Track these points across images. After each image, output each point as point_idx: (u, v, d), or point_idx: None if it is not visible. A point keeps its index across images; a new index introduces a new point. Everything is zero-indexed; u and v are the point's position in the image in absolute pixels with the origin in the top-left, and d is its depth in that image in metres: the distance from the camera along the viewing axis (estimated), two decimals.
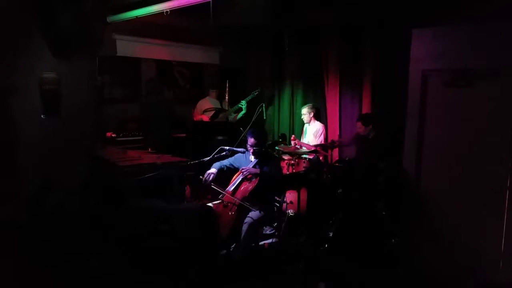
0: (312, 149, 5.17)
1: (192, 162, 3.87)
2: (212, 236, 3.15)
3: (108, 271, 2.49)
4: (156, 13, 4.56)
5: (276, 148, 5.26)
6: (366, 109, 5.54)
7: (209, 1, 3.92)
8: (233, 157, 4.19)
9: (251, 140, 3.97)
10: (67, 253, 2.51)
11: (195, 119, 6.03)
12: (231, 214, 3.77)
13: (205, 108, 6.03)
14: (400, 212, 3.52)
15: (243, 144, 4.39)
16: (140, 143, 5.50)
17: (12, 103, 4.02)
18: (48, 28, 4.22)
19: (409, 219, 3.41)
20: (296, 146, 5.11)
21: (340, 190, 4.18)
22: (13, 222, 2.62)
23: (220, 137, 5.49)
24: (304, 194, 4.52)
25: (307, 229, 4.28)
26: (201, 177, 3.94)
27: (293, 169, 4.95)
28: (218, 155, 4.02)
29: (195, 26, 6.32)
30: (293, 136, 5.44)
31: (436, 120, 3.23)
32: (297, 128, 6.39)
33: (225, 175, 4.10)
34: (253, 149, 3.99)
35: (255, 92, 5.97)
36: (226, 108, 6.13)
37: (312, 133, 5.57)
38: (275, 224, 4.32)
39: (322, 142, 5.48)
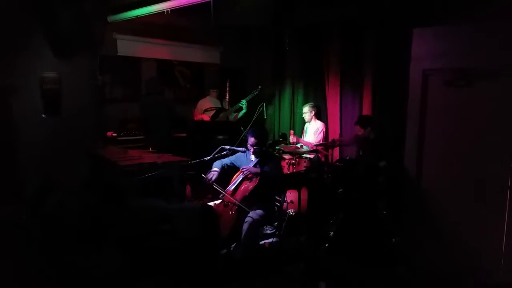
0: (311, 145, 5.16)
1: (192, 162, 3.86)
2: (213, 236, 3.16)
3: (108, 270, 2.50)
4: (157, 13, 4.57)
5: (277, 147, 5.26)
6: (366, 108, 5.53)
7: (210, 1, 3.92)
8: (233, 156, 4.18)
9: (251, 140, 3.96)
10: (67, 253, 2.51)
11: (195, 118, 6.03)
12: (232, 213, 3.77)
13: (206, 108, 6.02)
14: (401, 212, 3.52)
15: (244, 143, 4.39)
16: (141, 142, 5.50)
17: (13, 102, 4.04)
18: (49, 28, 4.23)
19: (410, 218, 3.42)
20: (294, 141, 5.10)
21: (340, 190, 4.18)
22: (13, 222, 2.63)
23: (220, 137, 5.49)
24: (304, 193, 4.52)
25: (308, 229, 4.28)
26: (203, 175, 3.94)
27: (293, 168, 4.94)
28: (218, 154, 4.01)
29: (196, 26, 6.33)
30: (291, 131, 5.43)
31: (436, 119, 3.23)
32: (298, 128, 6.38)
33: (226, 174, 4.10)
34: (254, 149, 3.98)
35: (256, 92, 5.97)
36: (227, 108, 6.11)
37: (313, 131, 5.57)
38: (276, 223, 4.32)
39: (322, 140, 5.48)
